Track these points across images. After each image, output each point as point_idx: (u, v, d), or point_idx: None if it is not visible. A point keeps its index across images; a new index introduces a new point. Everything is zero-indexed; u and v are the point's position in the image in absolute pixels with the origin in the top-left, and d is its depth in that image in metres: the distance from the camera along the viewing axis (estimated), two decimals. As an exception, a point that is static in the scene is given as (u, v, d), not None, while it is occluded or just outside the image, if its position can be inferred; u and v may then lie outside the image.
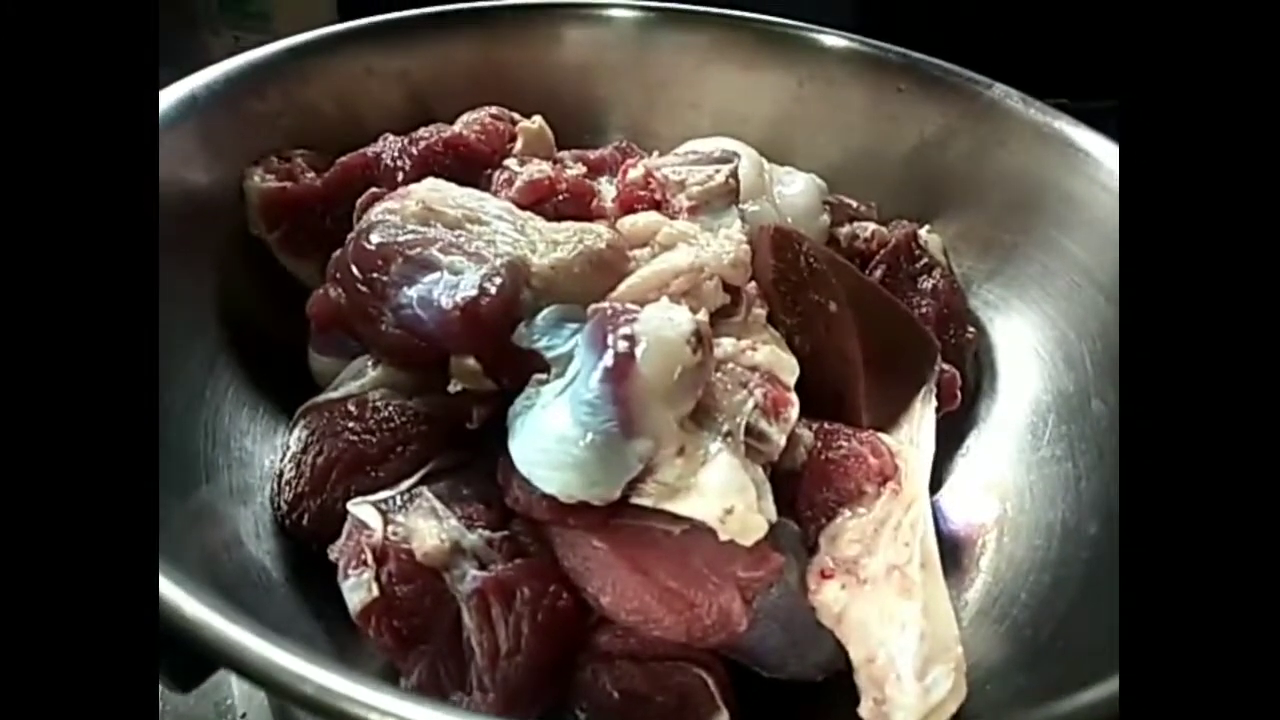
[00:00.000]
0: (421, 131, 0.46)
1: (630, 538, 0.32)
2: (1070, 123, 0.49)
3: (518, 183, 0.43)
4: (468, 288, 0.35)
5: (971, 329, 0.48)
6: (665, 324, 0.33)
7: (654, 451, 0.32)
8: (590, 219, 0.43)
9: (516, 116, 0.49)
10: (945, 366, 0.43)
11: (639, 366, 0.32)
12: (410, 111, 0.51)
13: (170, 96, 0.44)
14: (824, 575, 0.34)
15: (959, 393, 0.43)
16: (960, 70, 0.53)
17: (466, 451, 0.38)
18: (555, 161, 0.47)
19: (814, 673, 0.36)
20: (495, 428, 0.35)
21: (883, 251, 0.48)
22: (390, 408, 0.38)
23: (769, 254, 0.42)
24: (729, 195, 0.44)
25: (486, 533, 0.34)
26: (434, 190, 0.39)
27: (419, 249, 0.37)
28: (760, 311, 0.41)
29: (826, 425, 0.38)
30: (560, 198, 0.43)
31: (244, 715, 0.45)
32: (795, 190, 0.49)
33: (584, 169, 0.47)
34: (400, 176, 0.44)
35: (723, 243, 0.41)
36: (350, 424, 0.37)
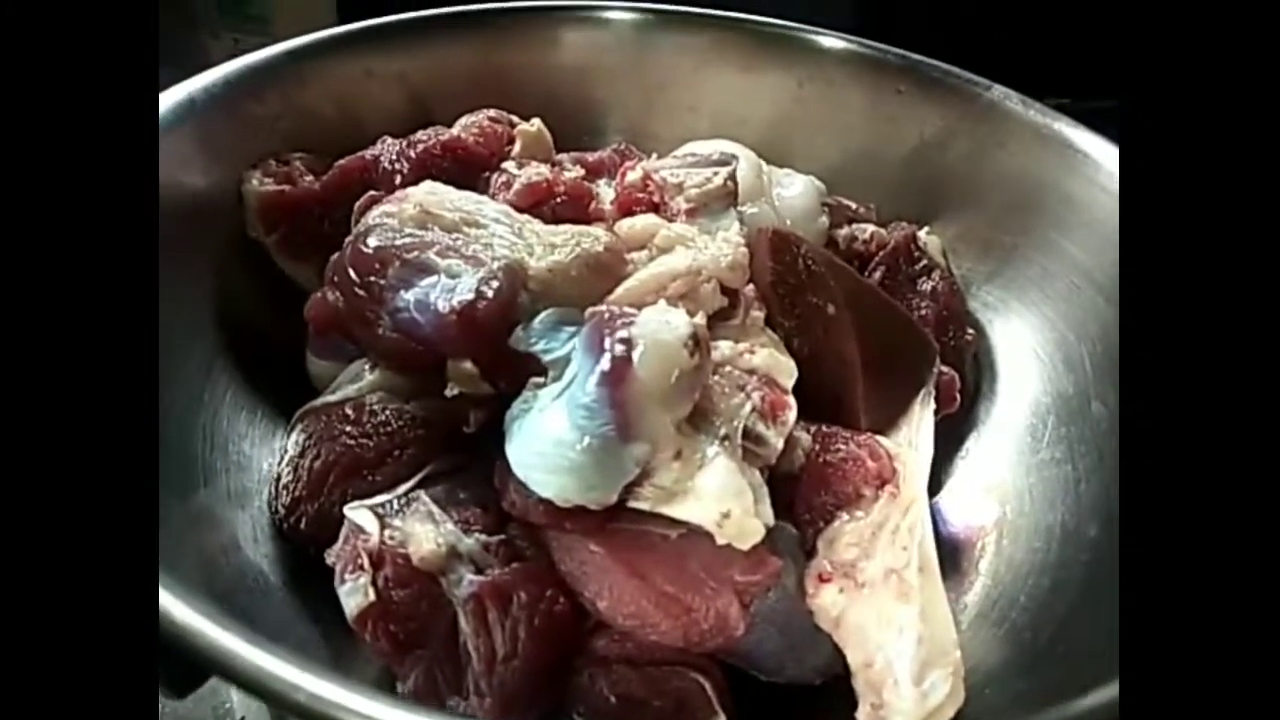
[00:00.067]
0: (419, 134, 0.46)
1: (627, 542, 0.32)
2: (1070, 124, 0.48)
3: (516, 185, 0.43)
4: (464, 291, 0.35)
5: (971, 331, 0.48)
6: (662, 327, 0.33)
7: (651, 455, 0.32)
8: (588, 222, 0.43)
9: (515, 119, 0.49)
10: (944, 369, 0.43)
11: (636, 370, 0.32)
12: (409, 114, 0.51)
13: (168, 100, 0.44)
14: (822, 579, 0.34)
15: (958, 395, 0.43)
16: (960, 72, 0.53)
17: (463, 455, 0.37)
18: (554, 164, 0.47)
19: (812, 677, 0.36)
20: (492, 431, 0.35)
21: (882, 253, 0.48)
22: (387, 411, 0.38)
23: (767, 256, 0.41)
24: (727, 198, 0.44)
25: (483, 537, 0.34)
26: (431, 193, 0.39)
27: (416, 252, 0.37)
28: (758, 314, 0.41)
29: (824, 428, 0.38)
30: (558, 200, 0.43)
31: (243, 718, 0.45)
32: (794, 192, 0.48)
33: (582, 171, 0.47)
34: (398, 179, 0.44)
35: (721, 245, 0.40)
36: (347, 428, 0.37)
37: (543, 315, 0.35)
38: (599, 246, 0.38)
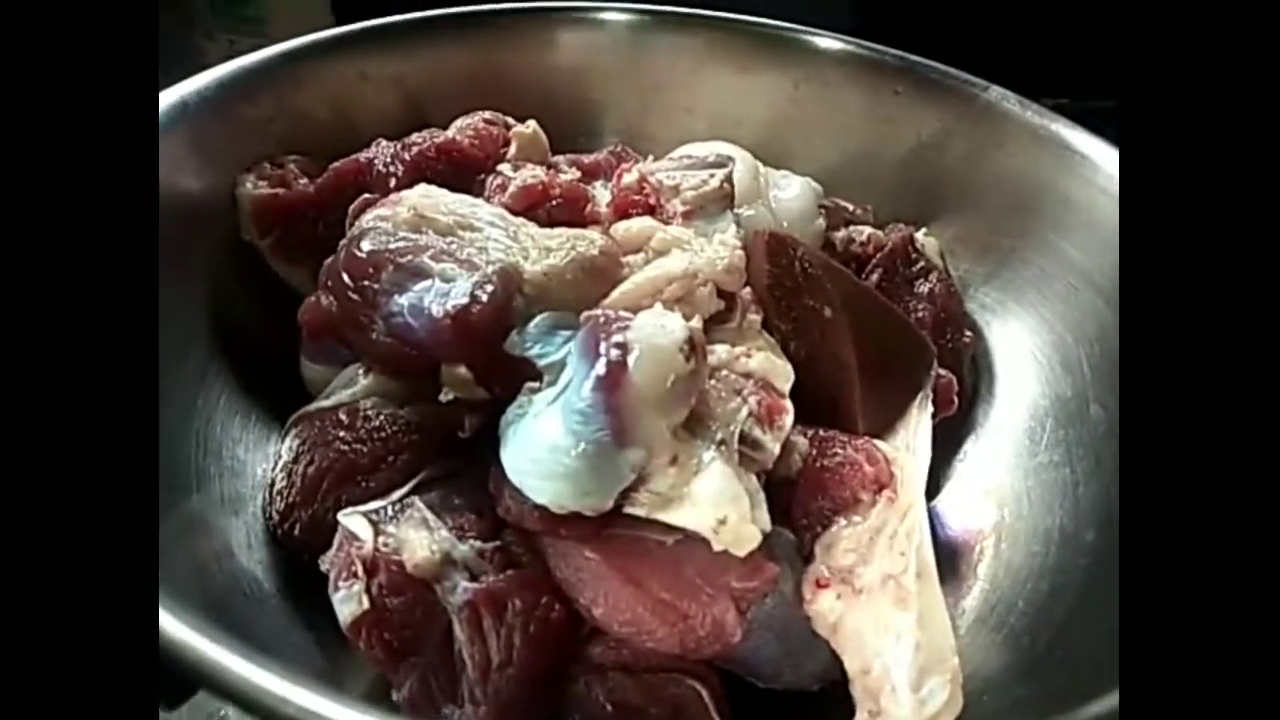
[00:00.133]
0: (414, 137, 0.46)
1: (623, 548, 0.32)
2: (1068, 125, 0.48)
3: (511, 188, 0.43)
4: (459, 295, 0.35)
5: (969, 333, 0.48)
6: (658, 331, 0.32)
7: (646, 461, 0.32)
8: (584, 224, 0.42)
9: (510, 121, 0.49)
10: (942, 371, 0.42)
11: (631, 375, 0.31)
12: (404, 116, 0.51)
13: (162, 103, 0.44)
14: (819, 585, 0.34)
15: (956, 398, 0.43)
16: (957, 73, 0.52)
17: (458, 461, 0.37)
18: (549, 166, 0.47)
19: (809, 683, 0.36)
20: (487, 437, 0.35)
21: (879, 255, 0.48)
22: (381, 417, 0.38)
23: (764, 259, 0.41)
24: (724, 200, 0.44)
25: (478, 543, 0.34)
26: (426, 197, 0.39)
27: (410, 256, 0.36)
28: (755, 317, 0.40)
29: (822, 432, 0.38)
30: (554, 203, 0.43)
31: (238, 725, 0.45)
32: (791, 194, 0.48)
33: (578, 174, 0.46)
34: (393, 182, 0.44)
35: (717, 248, 0.40)
36: (341, 433, 0.37)
37: (538, 319, 0.35)
38: (594, 250, 0.38)
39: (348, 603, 0.32)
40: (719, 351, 0.37)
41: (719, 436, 0.34)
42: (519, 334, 0.35)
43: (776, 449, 0.35)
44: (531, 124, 0.49)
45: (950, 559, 0.41)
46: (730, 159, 0.46)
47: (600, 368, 0.32)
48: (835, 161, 0.54)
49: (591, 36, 0.57)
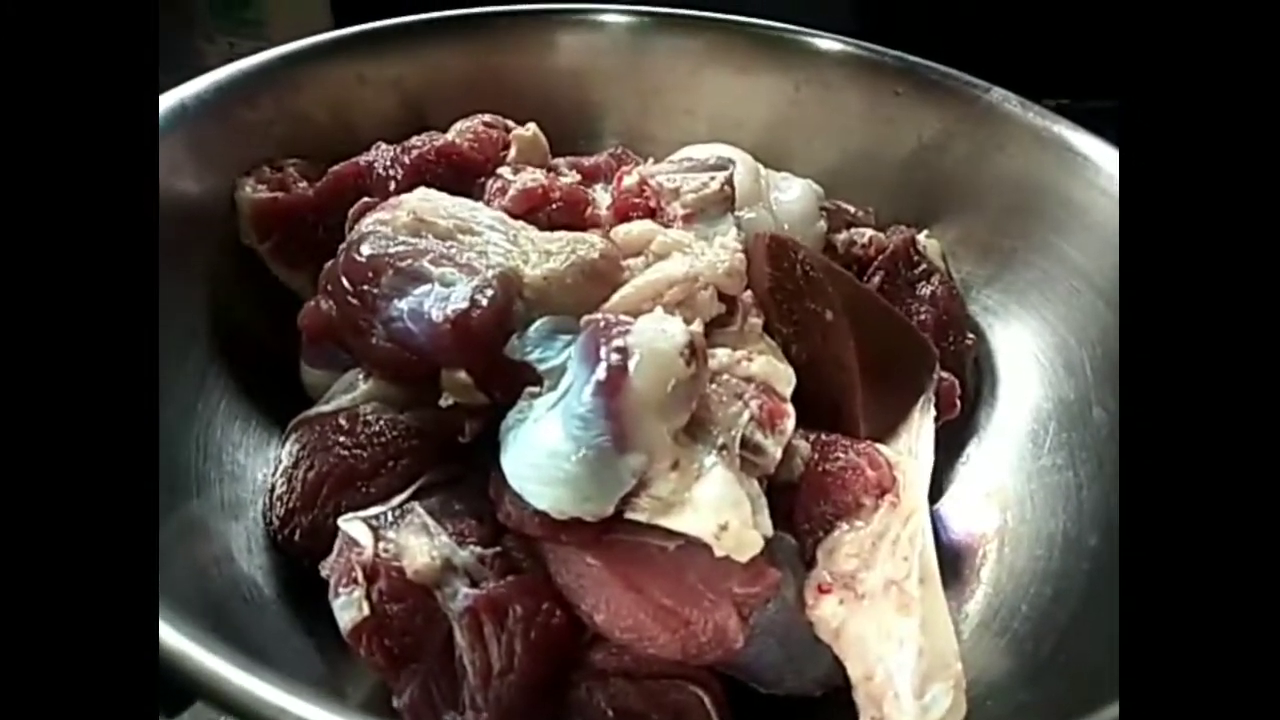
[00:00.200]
0: (414, 140, 0.46)
1: (624, 554, 0.32)
2: (1069, 127, 0.48)
3: (511, 191, 0.43)
4: (458, 300, 0.35)
5: (971, 335, 0.47)
6: (658, 336, 0.32)
7: (647, 466, 0.32)
8: (584, 228, 0.42)
9: (510, 124, 0.49)
10: (944, 374, 0.42)
11: (632, 380, 0.31)
12: (404, 119, 0.51)
13: (160, 106, 0.43)
14: (821, 590, 0.34)
15: (958, 401, 0.43)
16: (958, 74, 0.52)
17: (458, 466, 0.37)
18: (550, 169, 0.47)
19: (812, 688, 0.35)
20: (487, 442, 0.35)
21: (881, 257, 0.48)
22: (381, 422, 0.37)
23: (765, 262, 0.41)
24: (724, 203, 0.43)
25: (478, 549, 0.34)
26: (425, 200, 0.39)
27: (410, 260, 0.36)
28: (756, 321, 0.40)
29: (824, 436, 0.38)
30: (554, 206, 0.43)
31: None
32: (792, 196, 0.48)
33: (578, 177, 0.46)
34: (392, 186, 0.44)
35: (718, 252, 0.40)
36: (341, 438, 0.37)
37: (538, 324, 0.35)
38: (594, 254, 0.38)
39: (348, 609, 0.32)
40: (720, 355, 0.37)
41: (720, 441, 0.34)
42: (519, 338, 0.35)
43: (778, 453, 0.35)
44: (531, 127, 0.49)
45: (953, 563, 0.41)
46: (731, 161, 0.45)
47: (601, 372, 0.32)
48: (836, 163, 0.54)
49: (591, 38, 0.57)
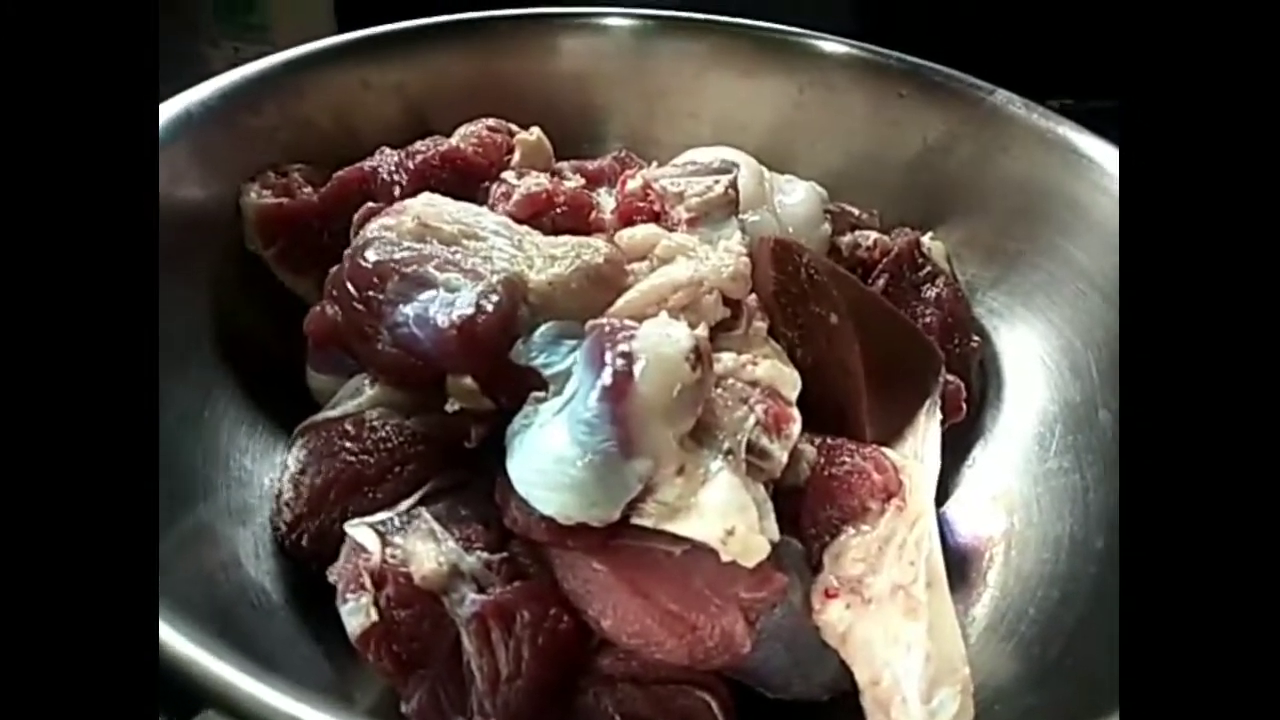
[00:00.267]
0: (418, 145, 0.46)
1: (631, 559, 0.32)
2: (1074, 128, 0.48)
3: (515, 196, 0.43)
4: (464, 305, 0.35)
5: (976, 338, 0.47)
6: (664, 341, 0.32)
7: (653, 471, 0.32)
8: (588, 232, 0.42)
9: (514, 128, 0.49)
10: (950, 378, 0.42)
11: (637, 385, 0.31)
12: (407, 124, 0.51)
13: (165, 113, 0.44)
14: (828, 595, 0.34)
15: (964, 404, 0.43)
16: (962, 76, 0.52)
17: (464, 471, 0.37)
18: (554, 173, 0.47)
19: (819, 693, 0.35)
20: (493, 447, 0.35)
21: (885, 260, 0.48)
22: (388, 427, 0.37)
23: (769, 266, 0.41)
24: (728, 206, 0.43)
25: (485, 554, 0.34)
26: (430, 206, 0.39)
27: (415, 266, 0.36)
28: (761, 324, 0.40)
29: (829, 440, 0.38)
30: (558, 211, 0.43)
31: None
32: (796, 199, 0.48)
33: (582, 180, 0.46)
34: (397, 191, 0.44)
35: (722, 256, 0.40)
36: (348, 444, 0.37)
37: (543, 329, 0.35)
38: (599, 258, 0.38)
39: (356, 615, 0.32)
40: (725, 359, 0.37)
41: (726, 446, 0.34)
42: (524, 343, 0.35)
43: (784, 458, 0.35)
44: (535, 131, 0.49)
45: (960, 566, 0.41)
46: (735, 165, 0.45)
47: (606, 378, 0.32)
48: (840, 165, 0.54)
49: (595, 42, 0.57)
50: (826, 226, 0.48)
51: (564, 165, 0.49)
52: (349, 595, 0.33)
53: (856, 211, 0.51)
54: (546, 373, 0.34)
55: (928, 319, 0.46)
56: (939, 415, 0.41)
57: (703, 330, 0.35)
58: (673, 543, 0.32)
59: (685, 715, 0.33)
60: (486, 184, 0.45)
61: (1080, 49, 0.77)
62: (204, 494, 0.38)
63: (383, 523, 0.35)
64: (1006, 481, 0.44)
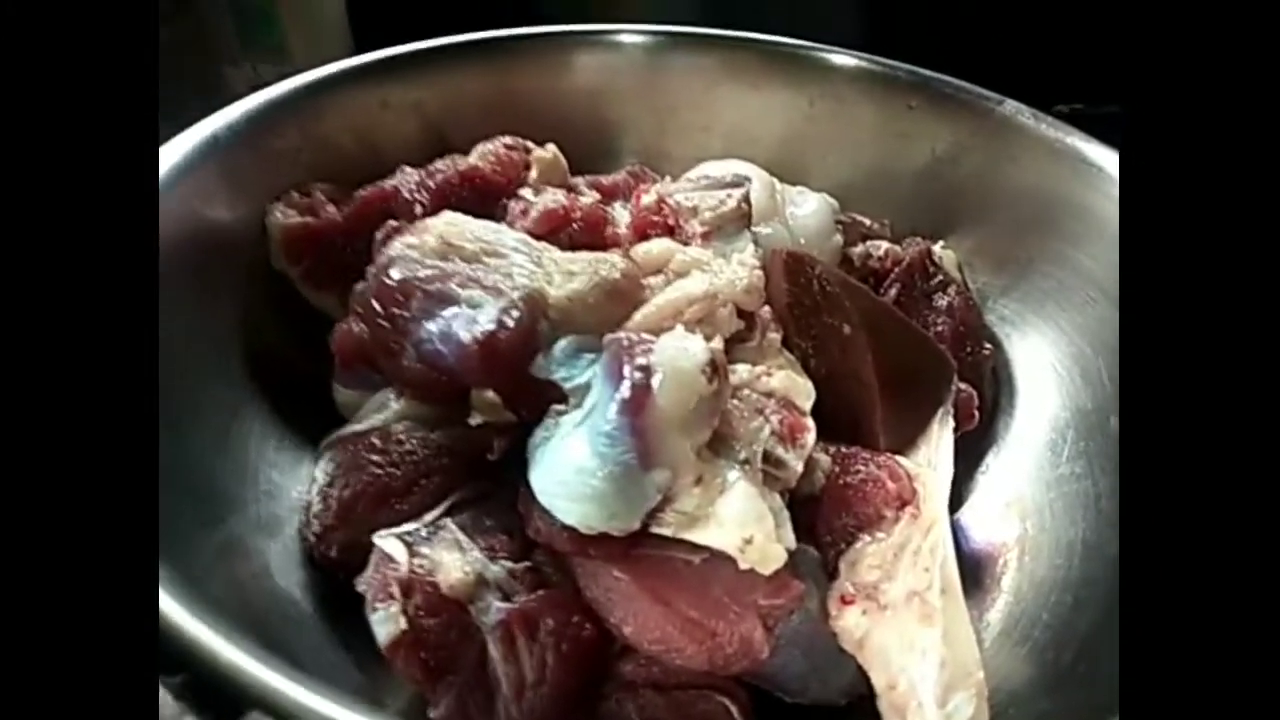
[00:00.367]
0: (438, 164, 0.47)
1: (651, 568, 0.33)
2: (1082, 138, 0.49)
3: (533, 213, 0.44)
4: (486, 322, 0.36)
5: (988, 345, 0.48)
6: (680, 354, 0.33)
7: (672, 481, 0.33)
8: (604, 247, 0.43)
9: (530, 145, 0.50)
10: (962, 386, 0.43)
11: (656, 398, 0.32)
12: (426, 141, 0.52)
13: (193, 137, 0.45)
14: (844, 601, 0.35)
15: (976, 411, 0.43)
16: (971, 87, 0.53)
17: (488, 483, 0.38)
18: (569, 189, 0.48)
19: (837, 697, 0.36)
20: (516, 459, 0.36)
21: (897, 269, 0.49)
22: (413, 440, 0.38)
23: (782, 278, 0.42)
24: (741, 220, 0.44)
25: (509, 564, 0.35)
26: (451, 225, 0.40)
27: (438, 284, 0.37)
28: (775, 336, 0.41)
29: (844, 449, 0.38)
30: (575, 227, 0.44)
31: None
32: (808, 211, 0.49)
33: (598, 195, 0.47)
34: (418, 209, 0.45)
35: (736, 269, 0.41)
36: (374, 457, 0.38)
37: (562, 343, 0.36)
38: (616, 273, 0.39)
39: (385, 624, 0.33)
40: (740, 371, 0.38)
41: (742, 455, 0.35)
42: (544, 357, 0.36)
43: (799, 467, 0.36)
44: (551, 148, 0.50)
45: (974, 572, 0.41)
46: (747, 179, 0.46)
47: (625, 391, 0.32)
48: (850, 177, 0.54)
49: (607, 58, 0.58)
50: (838, 237, 0.49)
51: (579, 180, 0.50)
52: (378, 604, 0.34)
53: (868, 222, 0.51)
54: (566, 386, 0.35)
55: (940, 328, 0.47)
56: (952, 423, 0.41)
57: (718, 343, 0.36)
58: (692, 551, 0.32)
59: (705, 719, 0.34)
60: (504, 201, 0.46)
61: (1090, 55, 0.77)
62: (235, 508, 0.39)
63: (410, 533, 0.36)
64: (1019, 488, 0.45)
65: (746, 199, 0.45)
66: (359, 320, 0.39)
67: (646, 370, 0.33)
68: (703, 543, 0.32)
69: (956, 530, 0.39)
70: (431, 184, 0.46)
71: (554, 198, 0.45)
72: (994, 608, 0.40)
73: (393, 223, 0.44)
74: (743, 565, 0.31)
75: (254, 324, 0.45)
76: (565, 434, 0.34)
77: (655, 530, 0.32)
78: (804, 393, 0.38)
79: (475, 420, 0.37)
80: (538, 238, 0.42)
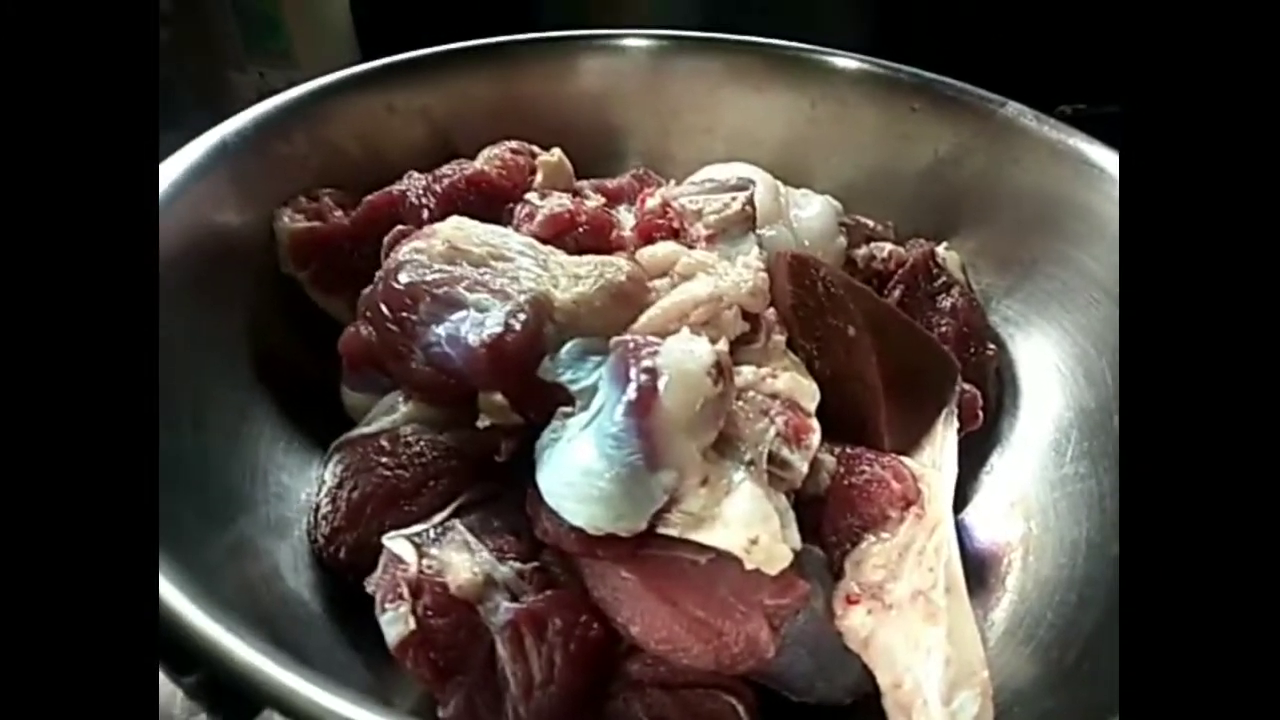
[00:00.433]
0: (445, 169, 0.48)
1: (658, 568, 0.33)
2: (1084, 139, 0.49)
3: (539, 217, 0.44)
4: (493, 325, 0.36)
5: (992, 346, 0.48)
6: (686, 356, 0.33)
7: (678, 482, 0.33)
8: (610, 250, 0.44)
9: (536, 150, 0.50)
10: (966, 386, 0.43)
11: (662, 399, 0.32)
12: (432, 146, 0.53)
13: (202, 144, 0.45)
14: (850, 600, 0.35)
15: (980, 412, 0.43)
16: (973, 89, 0.53)
17: (496, 484, 0.38)
18: (575, 192, 0.48)
19: (842, 696, 0.36)
20: (523, 460, 0.36)
21: (901, 271, 0.49)
22: (422, 443, 0.39)
23: (786, 280, 0.42)
24: (746, 222, 0.45)
25: (517, 564, 0.35)
26: (458, 229, 0.40)
27: (446, 288, 0.38)
28: (780, 338, 0.41)
29: (849, 450, 0.39)
30: (580, 230, 0.44)
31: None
32: (811, 213, 0.49)
33: (603, 199, 0.48)
34: (425, 214, 0.46)
35: (741, 271, 0.41)
36: (383, 459, 0.39)
37: (569, 346, 0.36)
38: (621, 276, 0.39)
39: (395, 624, 0.33)
40: (745, 373, 0.38)
41: (748, 457, 0.35)
42: (551, 360, 0.36)
43: (804, 468, 0.36)
44: (556, 152, 0.50)
45: (978, 571, 0.41)
46: (751, 181, 0.47)
47: (631, 393, 0.33)
48: (854, 179, 0.55)
49: (612, 62, 0.58)
50: (842, 239, 0.49)
51: (584, 184, 0.50)
52: (388, 605, 0.34)
53: (871, 224, 0.52)
54: (573, 388, 0.35)
55: (943, 328, 0.47)
56: (956, 423, 0.41)
57: (723, 345, 0.36)
58: (698, 551, 0.33)
59: (712, 718, 0.34)
60: (511, 205, 0.47)
61: (1092, 55, 0.77)
62: (245, 509, 0.40)
63: (418, 535, 0.36)
64: (1024, 488, 0.45)
65: (751, 202, 0.45)
66: (367, 324, 0.39)
67: (652, 372, 0.33)
68: (709, 543, 0.32)
69: (961, 530, 0.39)
70: (438, 189, 0.46)
71: (559, 202, 0.45)
72: (998, 607, 0.41)
73: (400, 227, 0.45)
74: (748, 565, 0.32)
75: (263, 328, 0.46)
76: (572, 436, 0.35)
77: (662, 531, 0.33)
78: (809, 394, 0.38)
79: (483, 422, 0.38)
80: (544, 241, 0.42)
